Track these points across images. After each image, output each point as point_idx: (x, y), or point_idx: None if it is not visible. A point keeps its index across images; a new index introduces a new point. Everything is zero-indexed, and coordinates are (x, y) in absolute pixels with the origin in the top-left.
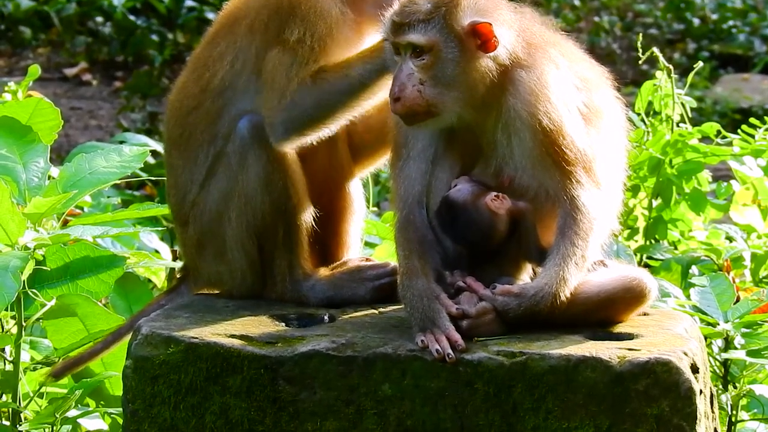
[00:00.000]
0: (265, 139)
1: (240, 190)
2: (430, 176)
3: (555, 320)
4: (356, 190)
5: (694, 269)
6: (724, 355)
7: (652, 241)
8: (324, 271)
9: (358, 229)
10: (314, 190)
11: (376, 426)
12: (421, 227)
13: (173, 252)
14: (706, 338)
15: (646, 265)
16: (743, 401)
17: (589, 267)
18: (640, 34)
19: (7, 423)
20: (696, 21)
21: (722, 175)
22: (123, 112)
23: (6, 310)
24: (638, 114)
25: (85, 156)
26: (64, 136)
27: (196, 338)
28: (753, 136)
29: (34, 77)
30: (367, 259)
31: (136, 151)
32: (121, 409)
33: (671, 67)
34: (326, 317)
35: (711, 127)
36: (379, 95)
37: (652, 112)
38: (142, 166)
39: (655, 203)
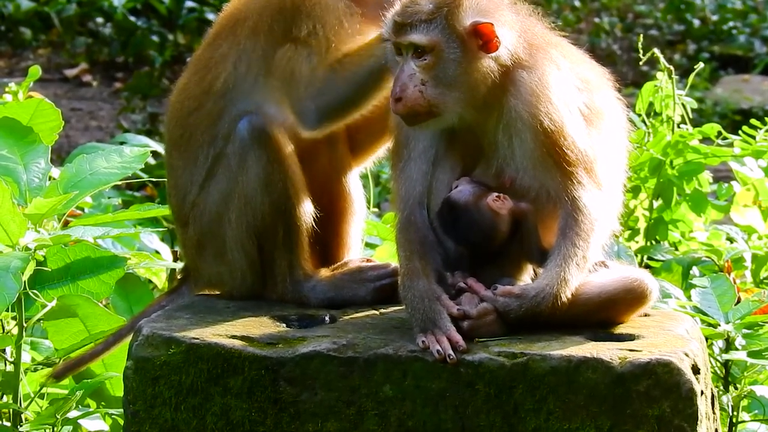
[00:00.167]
0: (265, 140)
1: (240, 191)
2: (431, 177)
3: (556, 321)
4: (357, 190)
5: (694, 270)
6: (725, 356)
7: (653, 242)
8: (325, 272)
9: (359, 229)
10: (315, 191)
11: (377, 427)
12: (422, 228)
13: (174, 253)
14: (707, 339)
15: (647, 266)
16: (744, 402)
17: (590, 268)
18: (641, 35)
19: (8, 424)
20: (696, 22)
21: (723, 176)
22: (123, 113)
23: (7, 310)
24: (639, 115)
25: (86, 157)
26: (65, 137)
27: (197, 339)
28: (754, 137)
29: (35, 78)
30: (368, 260)
31: (136, 152)
32: (122, 410)
33: (672, 68)
34: (327, 318)
35: (712, 128)
36: None
37: (652, 113)
38: (143, 167)
39: (655, 204)
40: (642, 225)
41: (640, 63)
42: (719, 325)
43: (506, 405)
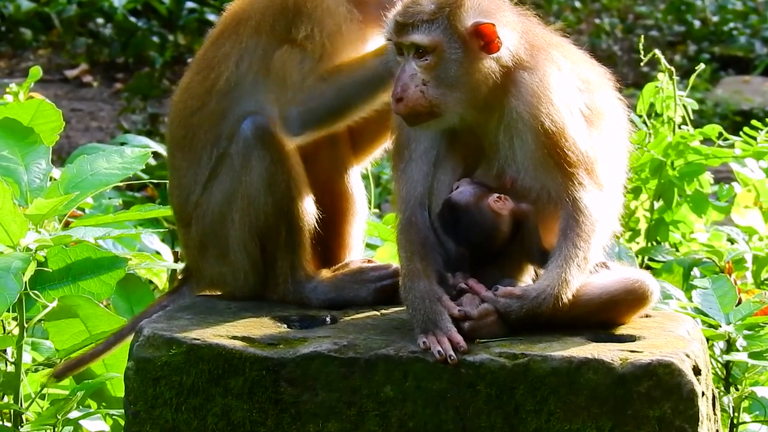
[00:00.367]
0: (269, 140)
1: (243, 191)
2: (432, 178)
3: (557, 322)
4: (358, 190)
5: (695, 271)
6: (726, 357)
7: (654, 243)
8: (326, 273)
9: (361, 230)
10: (316, 191)
11: (377, 427)
12: (423, 229)
13: (174, 253)
14: (708, 340)
15: (648, 267)
16: (745, 403)
17: (591, 269)
18: (641, 36)
19: (9, 424)
20: (697, 23)
21: (724, 177)
22: (124, 113)
23: (8, 311)
24: (640, 116)
25: (87, 157)
26: (65, 138)
27: (198, 340)
28: (755, 138)
29: (36, 79)
30: (369, 261)
31: (137, 152)
32: (122, 411)
33: (672, 69)
34: (328, 319)
35: (712, 129)
36: None
37: (653, 114)
38: (144, 167)
39: (656, 205)
40: (643, 226)
41: (641, 64)
42: (720, 326)
43: (507, 406)
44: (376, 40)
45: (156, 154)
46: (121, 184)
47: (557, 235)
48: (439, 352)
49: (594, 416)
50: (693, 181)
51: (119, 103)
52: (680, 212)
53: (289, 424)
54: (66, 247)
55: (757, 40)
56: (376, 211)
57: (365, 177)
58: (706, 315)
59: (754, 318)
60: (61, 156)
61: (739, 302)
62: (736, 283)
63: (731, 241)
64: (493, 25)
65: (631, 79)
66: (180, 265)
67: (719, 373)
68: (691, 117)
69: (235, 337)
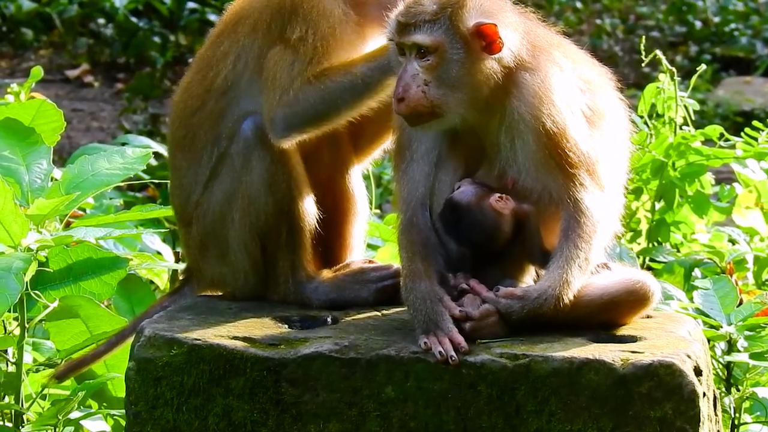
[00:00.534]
0: (269, 140)
1: (243, 191)
2: (434, 178)
3: (558, 323)
4: (359, 190)
5: (696, 272)
6: (727, 358)
7: (655, 244)
8: (327, 273)
9: (362, 231)
10: (317, 191)
11: (378, 428)
12: (424, 229)
13: (175, 254)
14: (709, 341)
15: (649, 268)
16: (746, 404)
17: (592, 269)
18: (643, 37)
19: (10, 424)
20: (698, 24)
21: (725, 177)
22: (125, 113)
23: (9, 311)
24: (641, 116)
25: (88, 158)
26: (66, 138)
27: (199, 340)
28: (756, 139)
29: (37, 79)
30: (370, 261)
31: (138, 152)
32: (123, 411)
33: (674, 69)
34: (329, 319)
35: (714, 129)
36: (382, 96)
37: (654, 115)
38: (145, 168)
39: (658, 206)
40: (644, 227)
41: (642, 65)
42: (721, 327)
43: (508, 406)
44: (372, 41)
45: (157, 155)
46: (122, 184)
47: (558, 235)
48: (440, 352)
49: (595, 417)
50: (694, 181)
51: (120, 103)
52: (681, 213)
53: (290, 424)
54: (67, 248)
55: (758, 41)
56: (378, 211)
57: (366, 177)
58: (707, 316)
59: (755, 319)
60: (62, 156)
61: (741, 303)
62: (737, 284)
63: (732, 241)
64: (495, 25)
65: (633, 80)
66: (181, 266)
67: (720, 373)
68: (693, 118)
69: (236, 338)
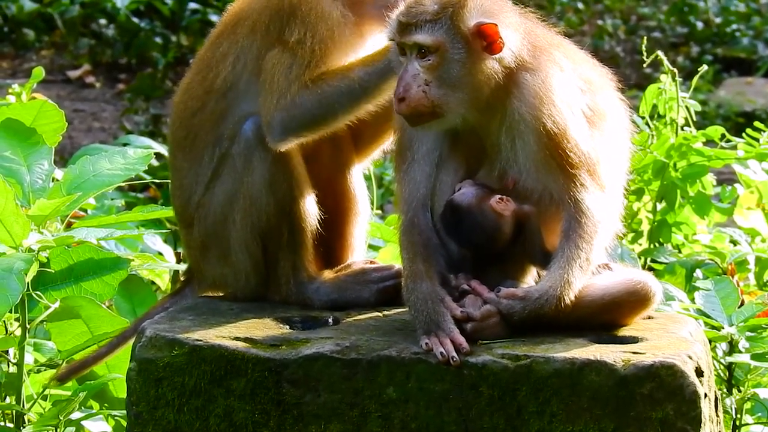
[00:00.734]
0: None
1: (245, 192)
2: (435, 179)
3: (559, 323)
4: (361, 190)
5: (698, 273)
6: (729, 359)
7: (657, 245)
8: (328, 274)
9: (363, 231)
10: (319, 192)
11: (380, 429)
12: (425, 230)
13: (177, 254)
14: (710, 342)
15: (651, 269)
16: (747, 405)
17: (593, 270)
18: (644, 38)
19: (11, 425)
20: (699, 24)
21: (726, 178)
22: (126, 114)
23: (10, 312)
24: (643, 117)
25: (89, 158)
26: (68, 138)
27: (201, 341)
28: (757, 140)
29: (38, 79)
30: (371, 262)
31: (140, 153)
32: (125, 412)
33: (675, 70)
34: (330, 320)
35: (715, 130)
36: (379, 100)
37: (656, 116)
38: (146, 168)
39: (659, 206)
40: (645, 227)
41: (644, 65)
42: (723, 328)
43: (509, 407)
44: (371, 41)
45: (158, 155)
46: (123, 184)
47: (559, 236)
48: (441, 353)
49: (596, 418)
50: (696, 182)
51: (122, 103)
52: (683, 214)
53: (292, 425)
54: (68, 248)
55: (759, 42)
56: (379, 212)
57: (368, 178)
58: (708, 317)
59: (756, 320)
60: (63, 157)
61: (742, 304)
62: (738, 285)
63: (734, 242)
64: (496, 25)
65: (634, 81)
66: (182, 266)
67: (722, 374)
68: (694, 118)
69: (237, 338)
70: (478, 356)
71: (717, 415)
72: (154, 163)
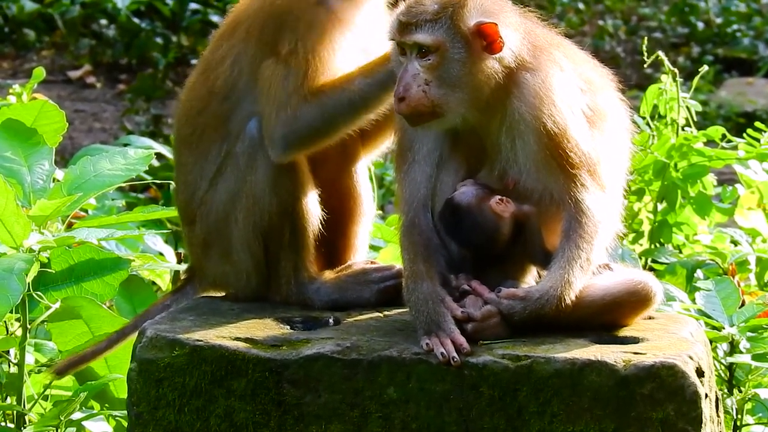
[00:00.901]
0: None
1: (248, 191)
2: (435, 180)
3: (560, 323)
4: (366, 190)
5: (699, 273)
6: (730, 359)
7: (657, 245)
8: (329, 274)
9: (366, 231)
10: (323, 192)
11: (380, 429)
12: (426, 231)
13: (178, 255)
14: (711, 342)
15: (651, 269)
16: (748, 405)
17: (594, 270)
18: (645, 38)
19: (12, 425)
20: (700, 25)
21: (727, 178)
22: (127, 114)
23: (11, 312)
24: (643, 117)
25: (90, 159)
26: (68, 139)
27: (201, 341)
28: (758, 140)
29: (39, 80)
30: (372, 262)
31: (140, 153)
32: (125, 412)
33: (676, 70)
34: (331, 320)
35: (716, 130)
36: (380, 110)
37: (657, 116)
38: (147, 168)
39: (660, 207)
40: (646, 228)
41: (644, 66)
42: (723, 328)
43: (510, 408)
44: (370, 41)
45: (159, 156)
46: (124, 185)
47: (560, 236)
48: (442, 353)
49: (597, 418)
50: (696, 182)
51: (122, 104)
52: (683, 214)
53: (292, 425)
54: (69, 249)
55: (760, 42)
56: (380, 212)
57: (369, 178)
58: (709, 317)
59: (757, 320)
60: (64, 157)
61: (743, 304)
62: (739, 285)
63: (734, 243)
64: (496, 25)
65: (635, 81)
66: (183, 267)
67: (722, 375)
68: (695, 119)
69: (238, 339)
70: (479, 356)
71: (718, 416)
72: (155, 163)
